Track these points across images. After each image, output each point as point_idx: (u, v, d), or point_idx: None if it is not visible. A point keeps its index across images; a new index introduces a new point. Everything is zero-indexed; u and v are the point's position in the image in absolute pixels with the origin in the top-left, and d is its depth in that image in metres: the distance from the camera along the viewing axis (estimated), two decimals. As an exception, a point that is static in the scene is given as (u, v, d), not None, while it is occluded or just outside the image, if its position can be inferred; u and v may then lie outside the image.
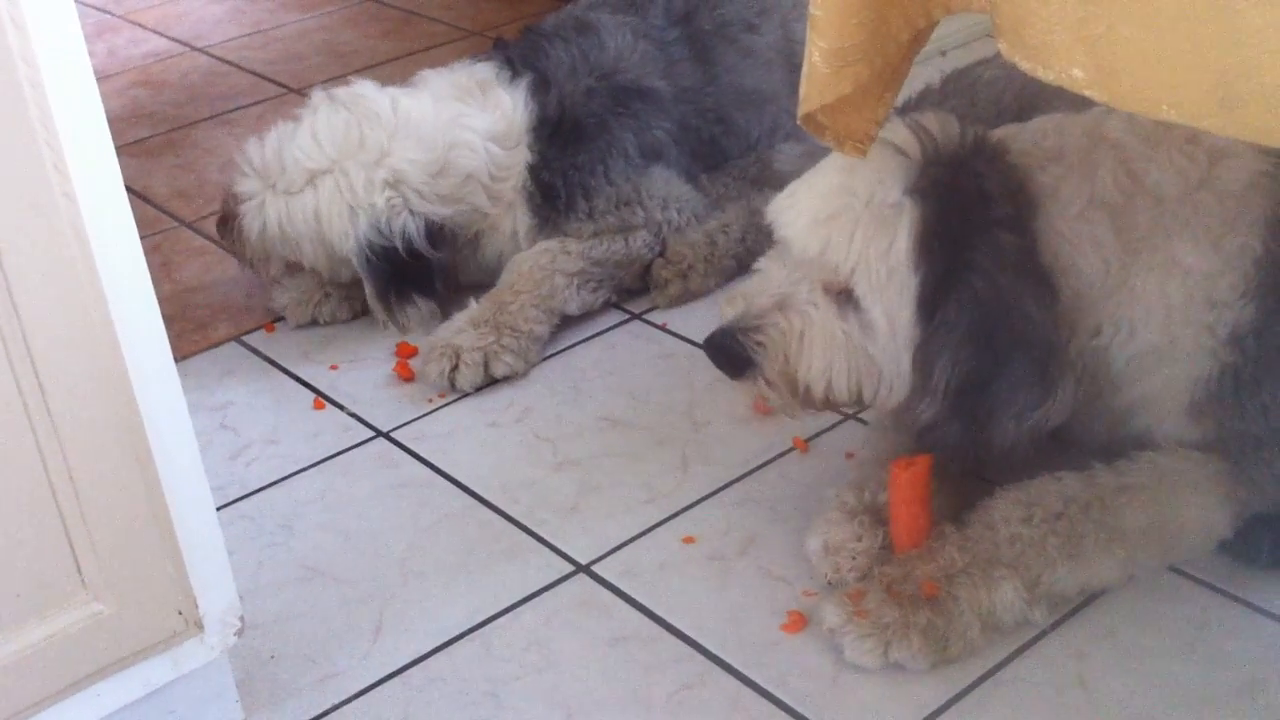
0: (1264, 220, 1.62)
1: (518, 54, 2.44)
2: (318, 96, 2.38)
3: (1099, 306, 1.66)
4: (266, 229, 2.32)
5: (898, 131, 1.64)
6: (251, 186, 2.33)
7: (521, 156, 2.37)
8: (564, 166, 2.36)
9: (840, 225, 1.62)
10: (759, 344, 1.67)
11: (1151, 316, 1.65)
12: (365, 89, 2.37)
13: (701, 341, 1.74)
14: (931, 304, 1.60)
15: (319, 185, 2.29)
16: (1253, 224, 1.62)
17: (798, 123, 1.49)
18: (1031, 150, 1.68)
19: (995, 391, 1.60)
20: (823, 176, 1.67)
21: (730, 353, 1.69)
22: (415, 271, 2.32)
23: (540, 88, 2.38)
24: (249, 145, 2.36)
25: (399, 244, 2.28)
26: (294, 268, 2.42)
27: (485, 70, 2.42)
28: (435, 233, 2.31)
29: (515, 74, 2.40)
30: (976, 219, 1.59)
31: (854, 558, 1.69)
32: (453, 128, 2.33)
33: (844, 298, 1.65)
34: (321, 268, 2.37)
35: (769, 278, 1.71)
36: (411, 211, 2.28)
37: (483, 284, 2.40)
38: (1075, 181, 1.64)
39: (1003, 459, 1.66)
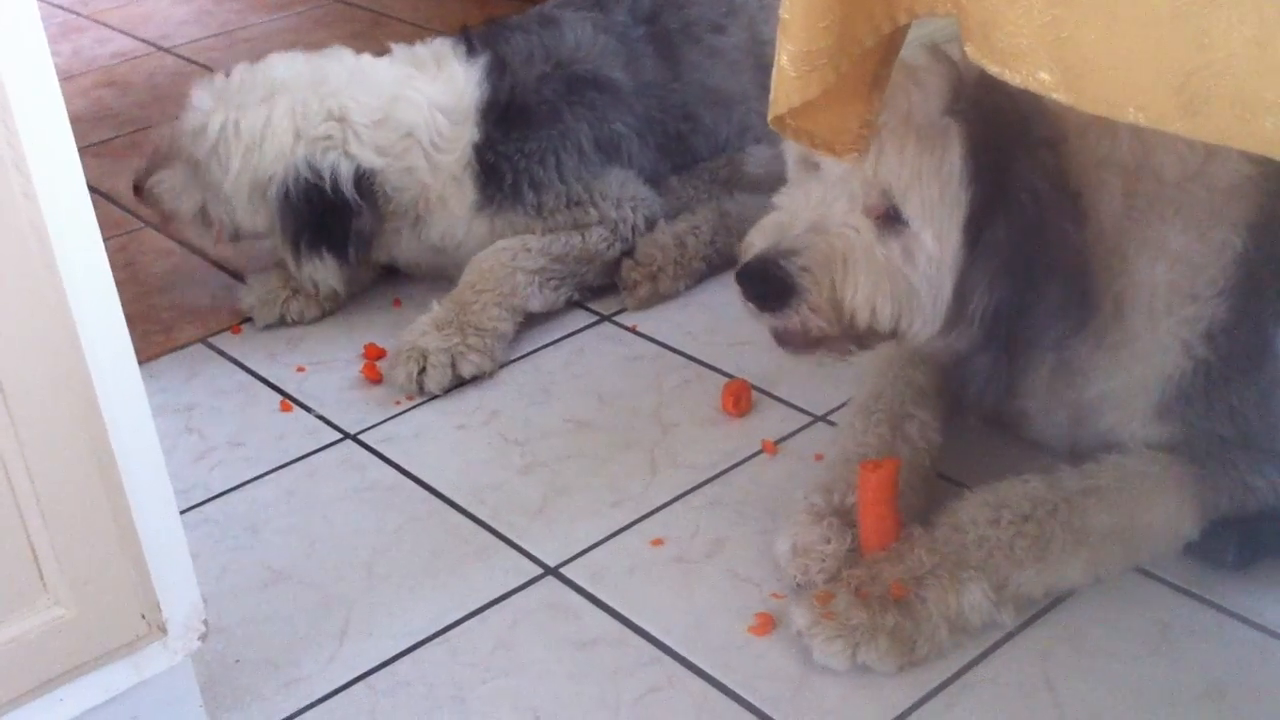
0: (1245, 221, 1.63)
1: (479, 38, 2.46)
2: (288, 53, 2.43)
3: (1101, 264, 1.64)
4: (205, 137, 2.31)
5: (920, 57, 1.58)
6: (202, 99, 2.35)
7: (467, 133, 2.37)
8: (510, 151, 2.36)
9: (889, 142, 1.55)
10: (803, 269, 1.58)
11: (1139, 295, 1.66)
12: (334, 47, 2.44)
13: (735, 273, 1.64)
14: (978, 224, 1.55)
15: (275, 102, 2.30)
16: (1235, 222, 1.63)
17: (769, 125, 1.49)
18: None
19: (1033, 319, 1.57)
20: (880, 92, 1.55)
21: (772, 279, 1.59)
22: (331, 223, 2.32)
23: (495, 70, 2.39)
24: (210, 76, 2.41)
25: (326, 181, 2.28)
26: (202, 218, 2.41)
27: (443, 45, 2.45)
28: (364, 184, 2.32)
29: (472, 52, 2.42)
30: (1019, 137, 1.56)
31: (822, 560, 1.68)
32: (399, 85, 2.36)
33: (886, 220, 1.59)
34: (241, 197, 2.34)
35: (801, 201, 1.62)
36: (346, 153, 2.30)
37: (427, 278, 2.43)
38: (1099, 130, 1.62)
39: (1019, 403, 1.66)
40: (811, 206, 1.63)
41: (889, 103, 1.55)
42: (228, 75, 2.37)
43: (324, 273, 2.36)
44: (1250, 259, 1.63)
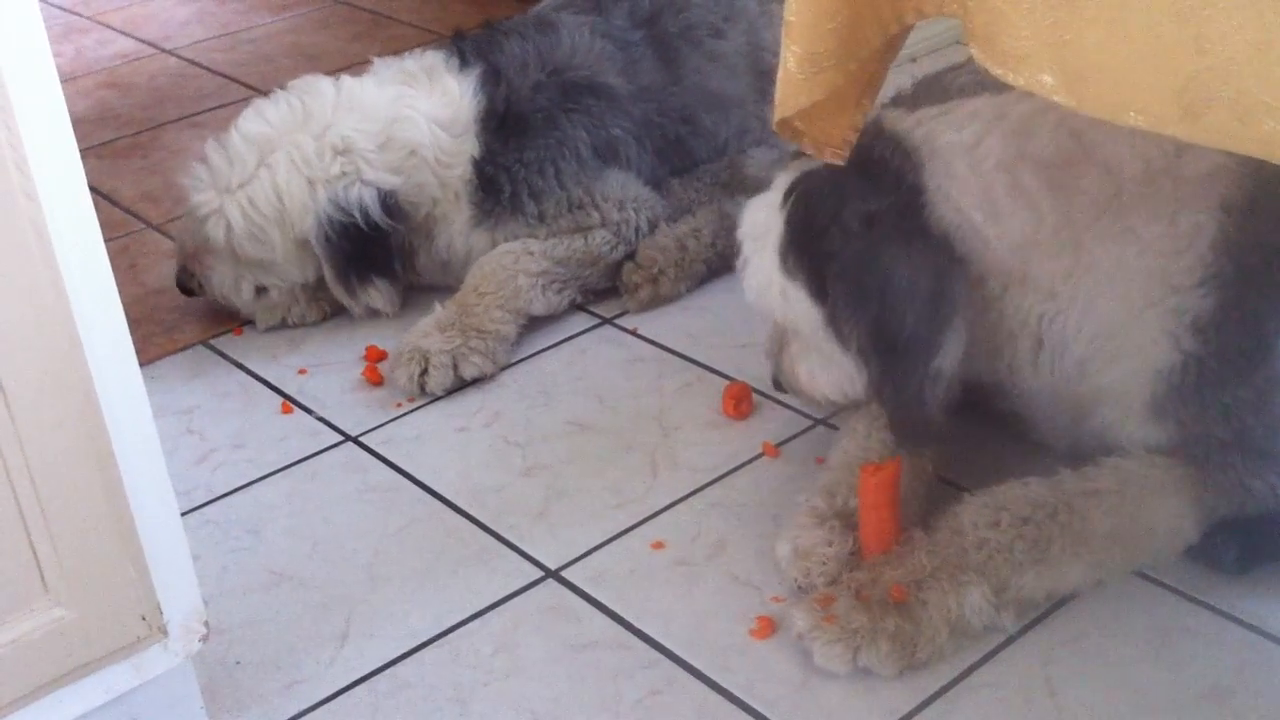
0: (1221, 204, 1.63)
1: (471, 46, 2.44)
2: (254, 102, 2.40)
3: (1046, 264, 1.68)
4: (233, 231, 2.30)
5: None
6: (206, 197, 2.32)
7: (468, 146, 2.36)
8: (509, 162, 2.35)
9: (743, 272, 1.84)
10: (780, 368, 1.94)
11: (1111, 285, 1.66)
12: (305, 77, 2.40)
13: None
14: (821, 294, 1.73)
15: (272, 162, 2.29)
16: (1209, 206, 1.63)
17: (773, 128, 1.49)
18: (956, 113, 1.72)
19: (902, 348, 1.67)
20: (750, 209, 1.85)
21: (776, 381, 1.98)
22: (374, 250, 2.31)
23: (490, 80, 2.38)
24: (193, 165, 2.36)
25: (357, 216, 2.27)
26: (261, 290, 2.40)
27: (434, 58, 2.43)
28: (389, 205, 2.31)
29: (465, 63, 2.40)
30: (826, 208, 1.70)
31: (824, 563, 1.68)
32: (395, 105, 2.34)
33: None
34: (292, 263, 2.35)
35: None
36: (363, 181, 2.29)
37: (436, 285, 2.42)
38: (1002, 136, 1.68)
39: (930, 423, 1.71)
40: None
41: (758, 212, 1.81)
42: (205, 158, 2.33)
43: (379, 297, 2.36)
44: (1232, 244, 1.62)
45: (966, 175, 1.67)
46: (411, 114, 2.33)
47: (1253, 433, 1.67)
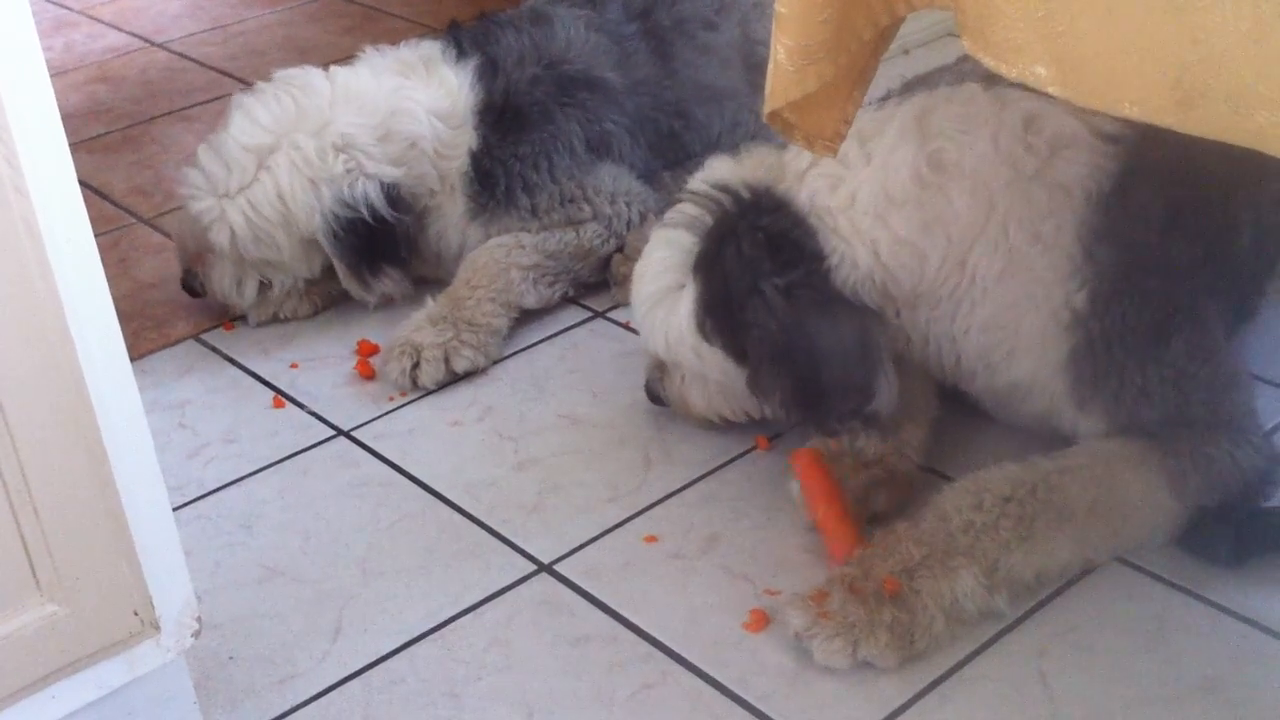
0: (1085, 199, 1.70)
1: (468, 38, 2.43)
2: (237, 95, 2.36)
3: (934, 290, 1.77)
4: (236, 236, 2.28)
5: (693, 206, 1.85)
6: (206, 204, 2.29)
7: (466, 139, 2.35)
8: (505, 156, 2.34)
9: (647, 319, 1.90)
10: (665, 391, 2.00)
11: (989, 290, 1.74)
12: (292, 70, 2.36)
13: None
14: (741, 357, 1.80)
15: (272, 165, 2.26)
16: (1073, 205, 1.70)
17: (764, 120, 1.48)
18: (830, 170, 1.77)
19: (821, 400, 1.77)
20: (646, 257, 1.90)
21: (656, 397, 2.03)
22: (382, 241, 2.30)
23: (488, 72, 2.37)
24: (184, 172, 2.32)
25: (364, 211, 2.26)
26: (265, 288, 2.39)
27: (431, 48, 2.41)
28: (393, 195, 2.30)
29: (462, 54, 2.39)
30: (742, 283, 1.76)
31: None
32: (393, 97, 2.32)
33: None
34: (299, 260, 2.34)
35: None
36: (366, 176, 2.27)
37: (427, 277, 2.42)
38: (870, 188, 1.75)
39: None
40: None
41: (658, 263, 1.87)
42: (198, 163, 2.29)
43: (393, 286, 2.35)
44: (1101, 236, 1.69)
45: (850, 235, 1.75)
46: (411, 106, 2.32)
47: (1187, 408, 1.71)
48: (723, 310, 1.79)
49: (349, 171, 2.26)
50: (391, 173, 2.29)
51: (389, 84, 2.34)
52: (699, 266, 1.81)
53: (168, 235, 2.67)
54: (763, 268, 1.75)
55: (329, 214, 2.26)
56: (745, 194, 1.81)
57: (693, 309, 1.81)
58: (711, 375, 1.88)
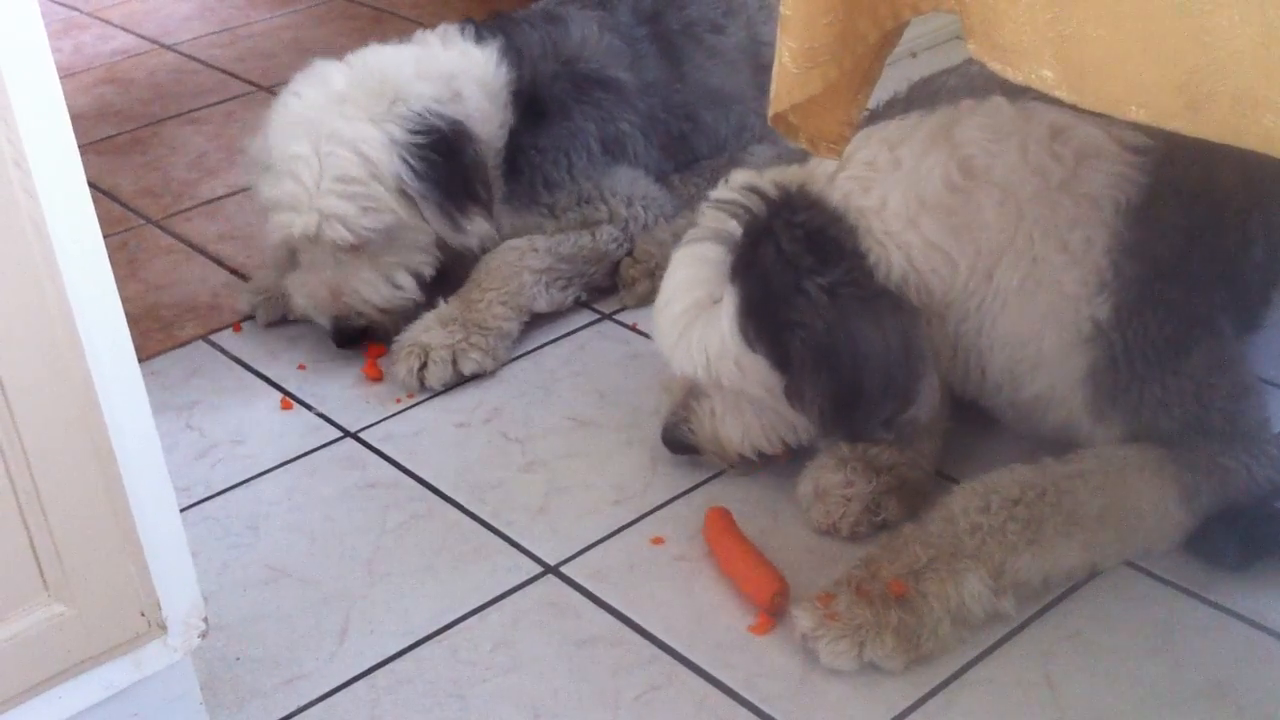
0: (1114, 210, 1.69)
1: (486, 28, 2.42)
2: (280, 127, 2.26)
3: (964, 301, 1.76)
4: (346, 218, 2.18)
5: (719, 213, 1.80)
6: (302, 219, 2.18)
7: (504, 115, 2.32)
8: (527, 145, 2.34)
9: (682, 340, 1.80)
10: (691, 430, 1.89)
11: (1014, 303, 1.73)
12: (316, 62, 2.32)
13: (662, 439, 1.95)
14: (784, 362, 1.74)
15: (330, 133, 2.18)
16: (1101, 217, 1.69)
17: (769, 123, 1.49)
18: (860, 173, 1.77)
19: (861, 407, 1.74)
20: (670, 280, 1.83)
21: (679, 443, 1.92)
22: (461, 178, 2.25)
23: (512, 55, 2.35)
24: (262, 215, 2.27)
25: (441, 125, 2.20)
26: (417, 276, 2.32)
27: (448, 29, 2.39)
28: (459, 130, 2.24)
29: (481, 38, 2.37)
30: (784, 282, 1.71)
31: (846, 501, 1.74)
32: (456, 64, 2.30)
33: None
34: (410, 211, 2.23)
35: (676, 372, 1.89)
36: (429, 111, 2.23)
37: (446, 274, 2.39)
38: (901, 191, 1.74)
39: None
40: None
41: (688, 279, 1.79)
42: (260, 197, 2.23)
43: (484, 226, 2.30)
44: (1128, 249, 1.69)
45: (884, 237, 1.74)
46: (461, 70, 2.30)
47: (1206, 418, 1.71)
48: (765, 312, 1.73)
49: (404, 102, 2.22)
50: (452, 108, 2.26)
51: (432, 53, 2.32)
52: (736, 270, 1.75)
53: (177, 237, 2.68)
54: (804, 264, 1.71)
55: (402, 145, 2.19)
56: (775, 193, 1.78)
57: (734, 315, 1.74)
58: (751, 391, 1.79)
